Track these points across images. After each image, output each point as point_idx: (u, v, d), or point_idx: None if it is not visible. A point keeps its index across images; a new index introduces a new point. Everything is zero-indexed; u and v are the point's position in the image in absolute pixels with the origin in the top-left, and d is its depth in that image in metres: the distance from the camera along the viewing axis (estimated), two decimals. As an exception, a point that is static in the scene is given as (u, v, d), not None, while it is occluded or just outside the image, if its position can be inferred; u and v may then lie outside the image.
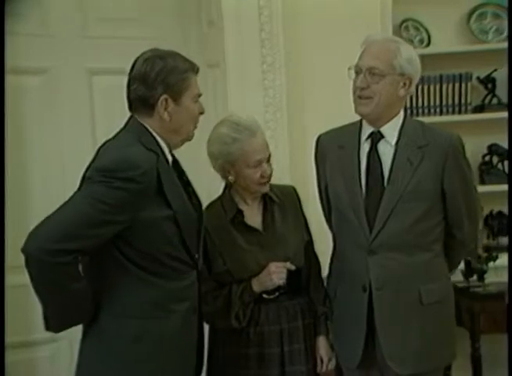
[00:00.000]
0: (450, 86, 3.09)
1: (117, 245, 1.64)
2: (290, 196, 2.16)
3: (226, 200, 2.08)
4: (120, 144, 1.71)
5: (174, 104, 1.72)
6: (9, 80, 2.51)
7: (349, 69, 2.06)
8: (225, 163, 2.02)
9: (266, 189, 2.07)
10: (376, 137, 2.05)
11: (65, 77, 2.78)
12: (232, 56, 2.73)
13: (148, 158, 1.65)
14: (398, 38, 2.17)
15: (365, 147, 2.06)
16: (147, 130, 1.73)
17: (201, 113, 1.80)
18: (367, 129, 2.06)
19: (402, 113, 2.08)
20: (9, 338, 2.24)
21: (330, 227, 2.19)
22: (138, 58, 1.76)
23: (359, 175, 2.04)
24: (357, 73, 2.03)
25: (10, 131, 2.47)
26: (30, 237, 1.56)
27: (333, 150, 2.11)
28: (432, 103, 3.08)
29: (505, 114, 3.09)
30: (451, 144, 2.03)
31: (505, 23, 3.15)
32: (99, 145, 1.79)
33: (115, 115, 2.78)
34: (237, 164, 2.01)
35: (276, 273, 2.00)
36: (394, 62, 1.99)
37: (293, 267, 2.03)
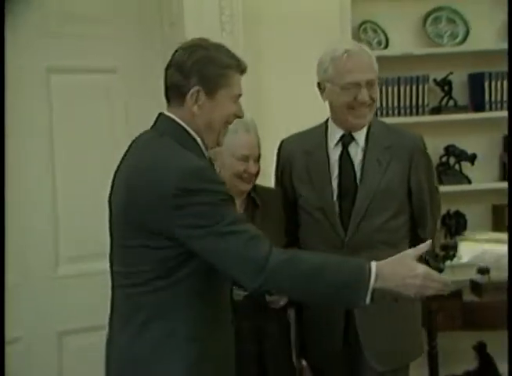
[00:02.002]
0: (408, 88, 3.14)
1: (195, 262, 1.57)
2: (275, 199, 2.16)
3: None
4: (170, 154, 1.58)
5: (206, 98, 1.61)
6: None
7: (319, 85, 2.08)
8: (213, 152, 2.01)
9: (247, 187, 2.07)
10: (347, 140, 2.07)
11: (23, 75, 2.71)
12: None
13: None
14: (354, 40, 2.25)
15: (336, 150, 2.08)
16: (185, 130, 1.62)
17: (238, 116, 1.68)
18: (336, 132, 2.08)
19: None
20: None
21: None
22: (184, 43, 1.67)
23: (330, 178, 2.06)
24: (349, 88, 2.00)
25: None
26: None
27: (298, 155, 2.12)
28: (390, 105, 3.13)
29: (461, 116, 3.21)
30: (416, 145, 2.10)
31: (459, 28, 3.24)
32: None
33: (74, 114, 2.81)
34: (224, 154, 2.01)
35: None
36: (376, 68, 2.05)
37: None
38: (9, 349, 2.64)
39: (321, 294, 1.55)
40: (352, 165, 2.06)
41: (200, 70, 1.60)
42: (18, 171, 2.70)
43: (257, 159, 2.07)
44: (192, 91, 1.60)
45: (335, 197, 2.06)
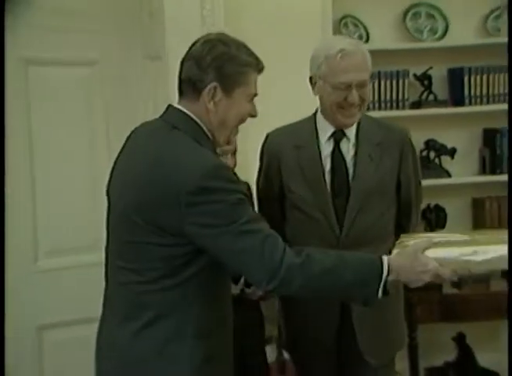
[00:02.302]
0: (388, 82, 3.16)
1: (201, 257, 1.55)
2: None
3: None
4: (191, 153, 1.54)
5: (223, 95, 1.58)
6: None
7: (311, 79, 2.05)
8: None
9: None
10: (338, 136, 2.06)
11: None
12: (173, 48, 2.67)
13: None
14: (355, 38, 2.24)
15: (328, 147, 2.06)
16: (198, 126, 1.59)
17: (252, 115, 1.65)
18: (327, 128, 2.06)
19: None
20: None
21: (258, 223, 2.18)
22: (200, 38, 1.62)
23: (324, 174, 2.04)
24: (340, 88, 1.98)
25: None
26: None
27: (288, 149, 2.10)
28: (371, 99, 3.13)
29: (441, 111, 3.24)
30: (404, 139, 2.10)
31: (438, 23, 3.27)
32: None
33: (52, 106, 2.79)
34: None
35: None
36: (369, 66, 2.03)
37: None
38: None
39: (334, 294, 1.60)
40: (344, 161, 2.05)
41: (220, 66, 1.56)
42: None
43: (234, 153, 2.06)
44: (209, 87, 1.56)
45: (329, 194, 2.04)
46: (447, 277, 1.56)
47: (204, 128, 1.60)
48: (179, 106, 1.61)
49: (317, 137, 2.07)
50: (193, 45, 1.61)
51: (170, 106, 1.64)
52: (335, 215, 2.03)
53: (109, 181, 1.69)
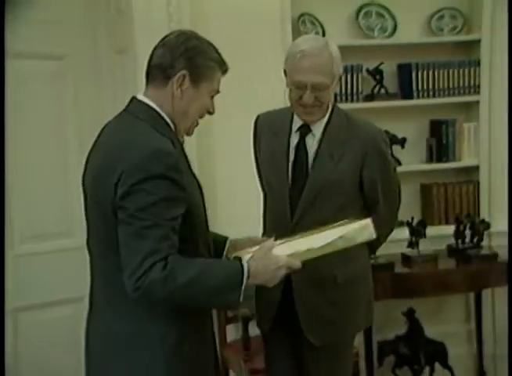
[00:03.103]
0: (343, 77, 3.17)
1: None
2: None
3: None
4: (142, 136, 1.58)
5: (190, 85, 1.64)
6: None
7: (284, 72, 2.08)
8: None
9: None
10: (303, 131, 2.11)
11: None
12: (141, 42, 2.75)
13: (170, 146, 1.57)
14: (322, 38, 2.22)
15: (295, 139, 2.11)
16: (159, 115, 1.64)
17: (210, 112, 1.71)
18: (297, 121, 2.12)
19: (330, 106, 2.12)
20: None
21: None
22: (174, 31, 1.70)
23: (287, 165, 2.10)
24: (297, 86, 2.01)
25: None
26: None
27: (266, 134, 2.17)
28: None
29: (392, 103, 3.35)
30: (372, 138, 2.10)
31: (388, 22, 3.37)
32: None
33: (23, 98, 2.86)
34: None
35: None
36: (334, 70, 2.03)
37: None
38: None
39: (200, 302, 1.58)
40: (306, 155, 2.08)
41: (191, 57, 1.63)
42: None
43: None
44: (179, 74, 1.62)
45: (289, 183, 2.08)
46: (297, 266, 1.63)
47: (166, 117, 1.64)
48: (142, 97, 1.66)
49: (290, 128, 2.12)
50: (166, 36, 1.68)
51: (133, 98, 1.68)
52: (289, 204, 2.08)
53: (84, 173, 1.73)
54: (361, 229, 1.77)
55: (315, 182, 2.08)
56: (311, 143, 2.11)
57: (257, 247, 1.69)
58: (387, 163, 2.17)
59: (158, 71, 1.65)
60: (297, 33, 3.10)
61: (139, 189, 1.51)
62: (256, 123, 2.25)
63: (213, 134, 3.07)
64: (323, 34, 3.28)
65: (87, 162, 1.72)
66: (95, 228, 1.66)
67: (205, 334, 1.71)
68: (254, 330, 2.72)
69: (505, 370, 3.02)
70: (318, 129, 2.11)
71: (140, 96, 1.68)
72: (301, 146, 2.11)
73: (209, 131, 2.99)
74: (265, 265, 1.60)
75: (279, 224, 2.09)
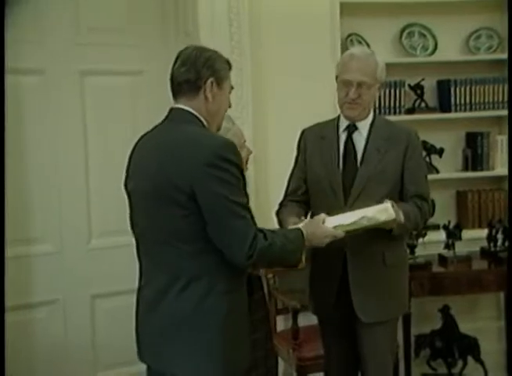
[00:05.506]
0: (387, 91, 3.42)
1: None
2: None
3: None
4: (203, 132, 1.81)
5: (217, 88, 1.84)
6: (10, 79, 2.74)
7: (336, 78, 2.38)
8: None
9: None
10: (351, 129, 2.39)
11: (59, 78, 3.05)
12: None
13: None
14: (370, 50, 2.50)
15: (343, 137, 2.40)
16: (197, 118, 1.84)
17: (230, 105, 1.93)
18: (344, 123, 2.42)
19: (372, 110, 2.43)
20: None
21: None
22: (184, 49, 1.88)
23: (338, 159, 2.38)
24: (345, 84, 2.31)
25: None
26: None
27: (314, 140, 2.44)
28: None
29: (431, 116, 3.51)
30: (410, 137, 2.40)
31: (429, 42, 3.53)
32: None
33: (104, 111, 3.14)
34: None
35: None
36: (377, 74, 2.34)
37: None
38: (46, 309, 3.02)
39: (282, 261, 1.90)
40: (354, 150, 2.35)
41: (212, 65, 1.83)
42: (55, 158, 3.03)
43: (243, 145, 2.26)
44: (208, 82, 1.82)
45: (340, 175, 2.34)
46: (339, 236, 2.03)
47: (202, 119, 1.84)
48: (182, 106, 1.84)
49: (337, 130, 2.41)
50: (178, 57, 1.87)
51: (172, 108, 1.87)
52: (343, 191, 2.33)
53: (126, 179, 1.92)
54: (382, 210, 2.14)
55: (365, 172, 2.33)
56: (359, 139, 2.37)
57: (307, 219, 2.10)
58: (422, 158, 2.48)
59: (188, 85, 1.83)
60: (345, 51, 3.32)
61: (225, 176, 1.72)
62: (301, 136, 2.50)
63: (270, 139, 3.26)
64: (370, 53, 3.52)
65: (128, 168, 1.92)
66: (154, 218, 1.80)
67: (245, 306, 1.91)
68: (301, 320, 2.95)
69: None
70: (364, 128, 2.38)
71: (180, 105, 1.86)
72: (349, 142, 2.38)
73: (265, 137, 3.22)
74: (315, 232, 1.98)
75: (328, 210, 2.20)
